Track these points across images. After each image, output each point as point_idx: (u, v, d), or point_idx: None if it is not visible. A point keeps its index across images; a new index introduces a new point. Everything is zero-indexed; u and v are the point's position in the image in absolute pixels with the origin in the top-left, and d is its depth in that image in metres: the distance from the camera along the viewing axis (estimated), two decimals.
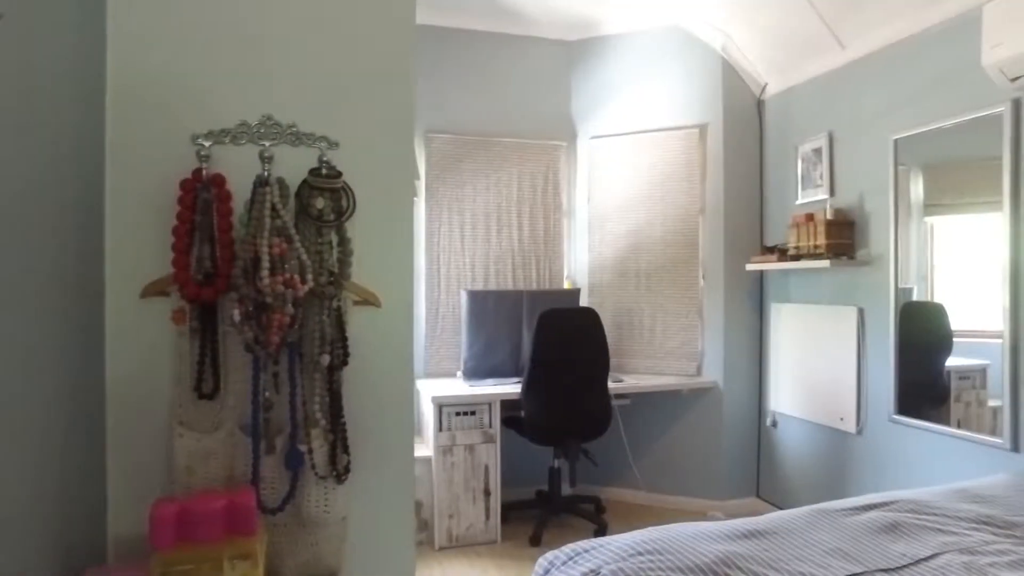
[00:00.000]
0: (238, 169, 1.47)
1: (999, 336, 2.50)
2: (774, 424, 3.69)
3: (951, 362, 2.77)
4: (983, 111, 2.49)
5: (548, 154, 4.11)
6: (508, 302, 3.81)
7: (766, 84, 3.74)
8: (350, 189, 1.53)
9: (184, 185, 1.41)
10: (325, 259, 1.49)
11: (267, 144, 1.51)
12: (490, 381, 3.62)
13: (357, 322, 1.55)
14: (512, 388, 3.43)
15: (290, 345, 1.44)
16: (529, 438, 3.41)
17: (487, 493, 3.34)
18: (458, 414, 3.32)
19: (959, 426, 2.66)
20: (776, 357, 3.66)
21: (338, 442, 1.47)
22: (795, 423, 3.53)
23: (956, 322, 2.76)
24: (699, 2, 3.57)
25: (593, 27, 4.00)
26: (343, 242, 1.52)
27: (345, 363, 1.50)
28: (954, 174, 2.82)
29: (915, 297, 2.88)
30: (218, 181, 1.43)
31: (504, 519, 3.41)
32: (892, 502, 1.94)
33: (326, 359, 1.45)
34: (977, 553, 1.66)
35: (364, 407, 1.57)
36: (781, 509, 3.53)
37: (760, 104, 3.82)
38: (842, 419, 3.16)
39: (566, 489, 3.66)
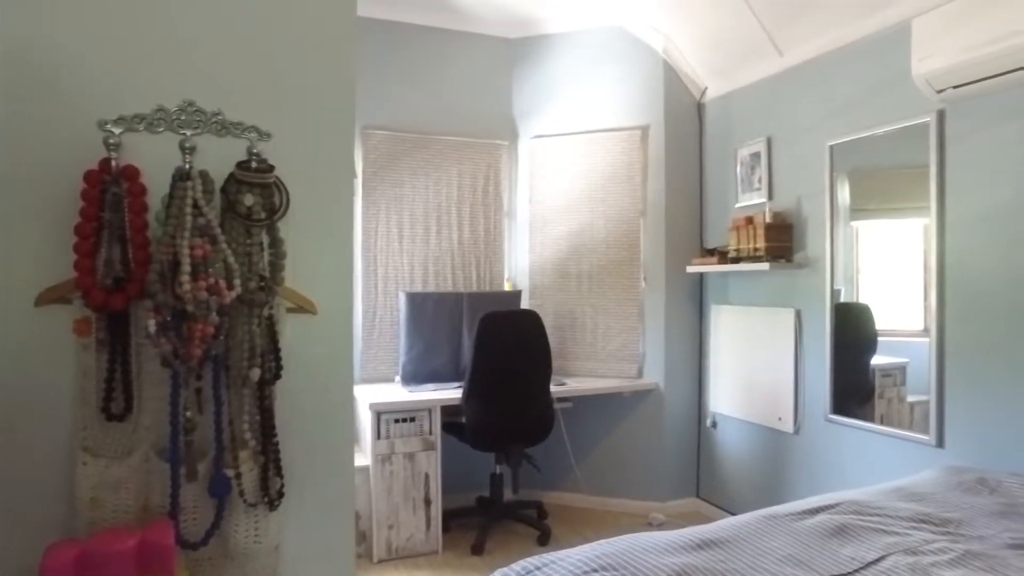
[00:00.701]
0: (154, 160, 1.30)
1: (918, 335, 2.62)
2: (714, 425, 3.73)
3: (875, 360, 2.88)
4: (911, 120, 2.58)
5: (489, 153, 4.03)
6: (448, 304, 3.71)
7: (706, 88, 3.78)
8: (283, 185, 1.39)
9: (89, 177, 1.23)
10: (255, 262, 1.34)
11: (188, 133, 1.35)
12: (429, 386, 3.50)
13: (291, 331, 1.41)
14: (453, 393, 3.33)
15: (215, 358, 1.29)
16: (471, 444, 3.32)
17: (427, 502, 3.22)
18: (397, 421, 3.19)
19: (882, 422, 2.77)
20: (716, 358, 3.70)
21: (270, 464, 1.33)
22: (734, 424, 3.58)
23: (879, 322, 2.86)
24: (641, 4, 3.57)
25: (535, 25, 3.94)
26: (275, 243, 1.37)
27: (277, 377, 1.36)
28: (878, 180, 2.92)
29: (843, 298, 2.97)
30: (130, 173, 1.26)
31: (445, 528, 3.30)
32: (837, 504, 1.95)
33: (256, 373, 1.31)
34: (919, 553, 1.68)
35: (299, 424, 1.43)
36: (721, 509, 3.61)
37: (700, 107, 3.86)
38: (780, 419, 3.22)
39: (508, 495, 3.59)
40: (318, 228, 1.46)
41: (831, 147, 2.93)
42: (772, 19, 3.08)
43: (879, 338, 2.90)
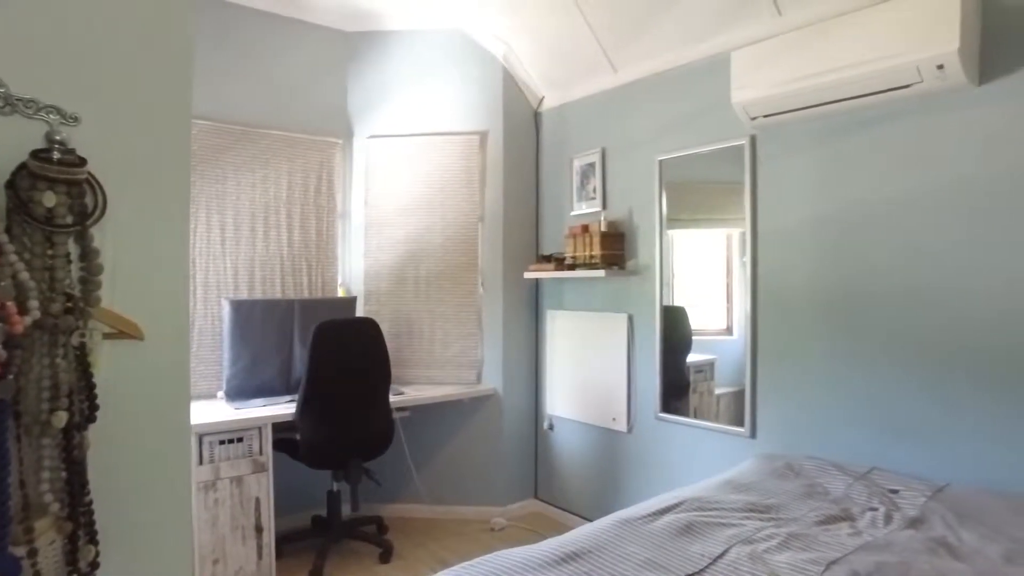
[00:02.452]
0: None
1: (722, 334, 2.97)
2: (551, 427, 3.84)
3: (689, 358, 3.16)
4: (730, 142, 2.84)
5: (322, 151, 3.76)
6: (277, 312, 3.40)
7: (543, 97, 3.87)
8: (98, 182, 1.13)
9: None
10: (59, 278, 1.06)
11: None
12: (258, 401, 3.18)
13: (110, 361, 1.15)
14: (284, 408, 3.06)
15: None
16: (306, 462, 3.07)
17: (259, 529, 2.92)
18: (222, 442, 2.85)
19: (695, 414, 3.04)
20: (552, 363, 3.81)
21: (81, 530, 1.07)
22: (570, 425, 3.71)
23: (692, 323, 3.15)
24: (483, 10, 3.55)
25: (373, 20, 3.75)
26: (88, 254, 1.10)
27: (91, 419, 1.09)
28: (691, 193, 3.19)
29: (663, 302, 3.21)
30: None
31: (279, 554, 3.03)
32: (680, 503, 2.07)
33: (61, 417, 1.04)
34: (754, 542, 1.84)
35: (121, 475, 1.17)
36: (559, 509, 3.72)
37: (538, 116, 3.94)
38: (614, 419, 3.39)
39: (346, 511, 3.37)
40: (144, 235, 1.20)
41: (660, 162, 3.14)
42: (608, 37, 3.22)
43: (693, 337, 3.17)
